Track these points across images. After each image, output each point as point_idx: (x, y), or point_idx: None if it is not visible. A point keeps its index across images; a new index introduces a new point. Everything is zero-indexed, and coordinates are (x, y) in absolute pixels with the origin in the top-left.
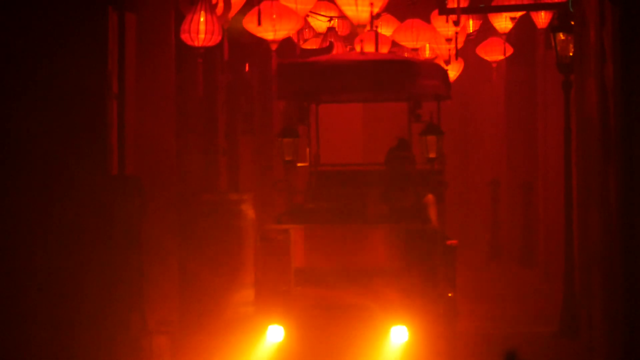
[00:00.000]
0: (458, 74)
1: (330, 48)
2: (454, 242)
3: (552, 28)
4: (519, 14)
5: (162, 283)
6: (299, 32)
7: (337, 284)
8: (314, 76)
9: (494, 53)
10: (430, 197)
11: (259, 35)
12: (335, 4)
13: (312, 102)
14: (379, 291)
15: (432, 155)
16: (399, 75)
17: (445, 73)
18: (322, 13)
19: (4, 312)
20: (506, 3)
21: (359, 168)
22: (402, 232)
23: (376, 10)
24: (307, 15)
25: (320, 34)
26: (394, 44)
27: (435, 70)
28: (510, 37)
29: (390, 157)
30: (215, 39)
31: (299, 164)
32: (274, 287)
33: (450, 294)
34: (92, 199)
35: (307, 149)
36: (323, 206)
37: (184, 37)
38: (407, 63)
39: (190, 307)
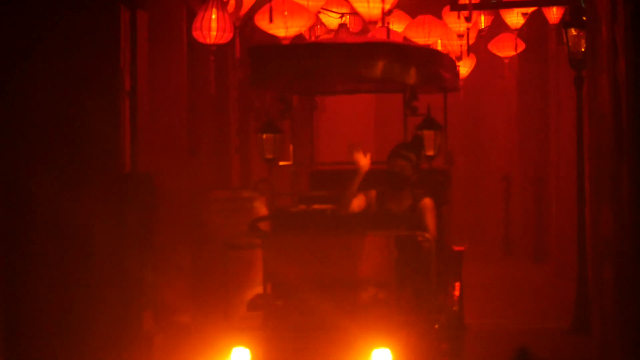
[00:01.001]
0: (470, 70)
1: None
2: (460, 247)
3: (564, 24)
4: (530, 9)
5: (174, 280)
6: (311, 28)
7: (316, 299)
8: (289, 60)
9: (505, 49)
10: (427, 201)
11: (270, 32)
12: (346, 0)
13: (294, 93)
14: (364, 308)
15: (429, 152)
16: (390, 61)
17: (451, 62)
18: (333, 9)
19: (15, 309)
20: None
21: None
22: (392, 240)
23: (387, 6)
24: (319, 12)
25: (331, 30)
26: (406, 40)
27: (438, 58)
28: (522, 32)
29: (391, 155)
30: (227, 36)
31: (281, 163)
32: (241, 303)
33: (455, 308)
34: (104, 196)
35: (291, 146)
36: (308, 210)
37: (196, 34)
38: (399, 47)
39: (203, 304)
